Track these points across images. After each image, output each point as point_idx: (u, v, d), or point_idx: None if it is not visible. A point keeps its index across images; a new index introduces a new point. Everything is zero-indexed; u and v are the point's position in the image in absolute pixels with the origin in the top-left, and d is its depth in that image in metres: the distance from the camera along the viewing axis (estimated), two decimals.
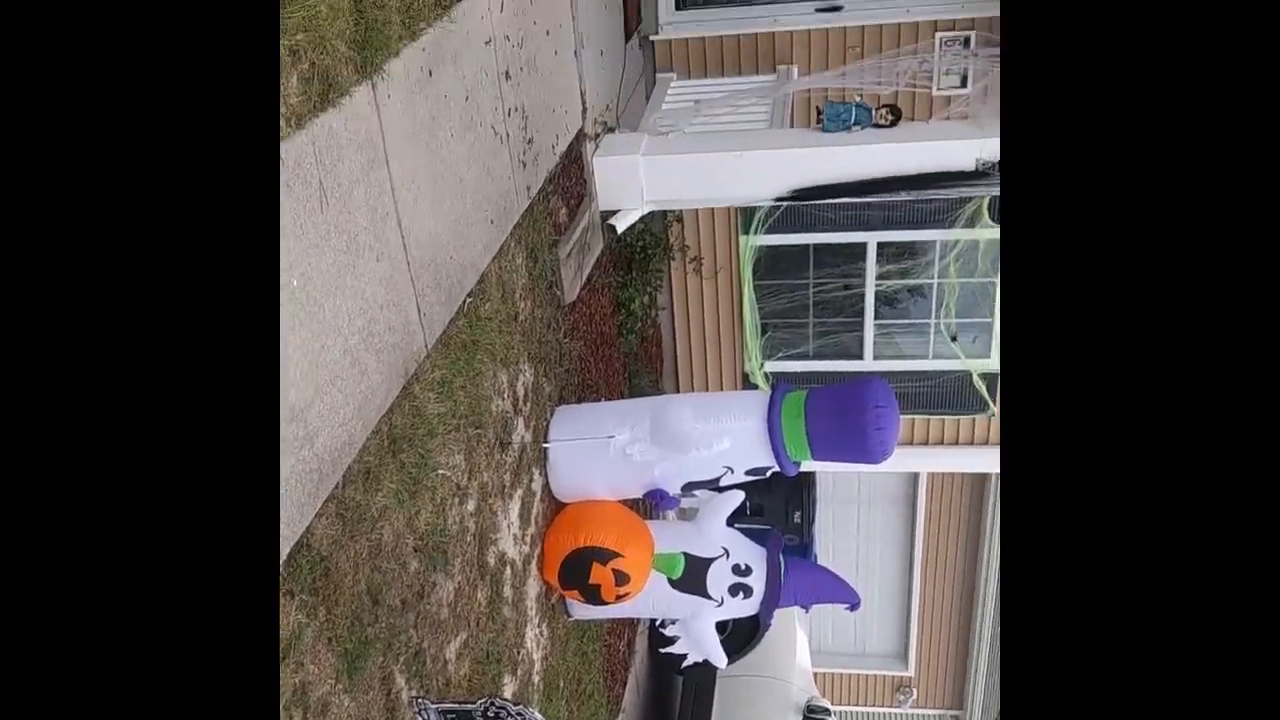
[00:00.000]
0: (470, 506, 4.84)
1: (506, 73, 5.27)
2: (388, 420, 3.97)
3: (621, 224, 6.80)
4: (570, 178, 6.36)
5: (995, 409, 8.90)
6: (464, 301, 4.75)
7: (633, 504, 6.52)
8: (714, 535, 6.12)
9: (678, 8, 8.04)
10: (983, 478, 10.48)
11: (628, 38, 7.72)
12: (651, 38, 8.03)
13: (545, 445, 5.88)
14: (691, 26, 7.99)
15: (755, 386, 9.02)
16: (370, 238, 3.80)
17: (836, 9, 7.72)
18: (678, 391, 9.30)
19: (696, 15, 8.02)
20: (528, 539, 5.69)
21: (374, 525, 3.85)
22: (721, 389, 9.23)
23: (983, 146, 5.98)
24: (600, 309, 7.23)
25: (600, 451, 5.83)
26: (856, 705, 12.26)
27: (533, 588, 5.77)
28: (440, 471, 4.45)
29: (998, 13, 7.29)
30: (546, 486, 5.97)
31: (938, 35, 7.40)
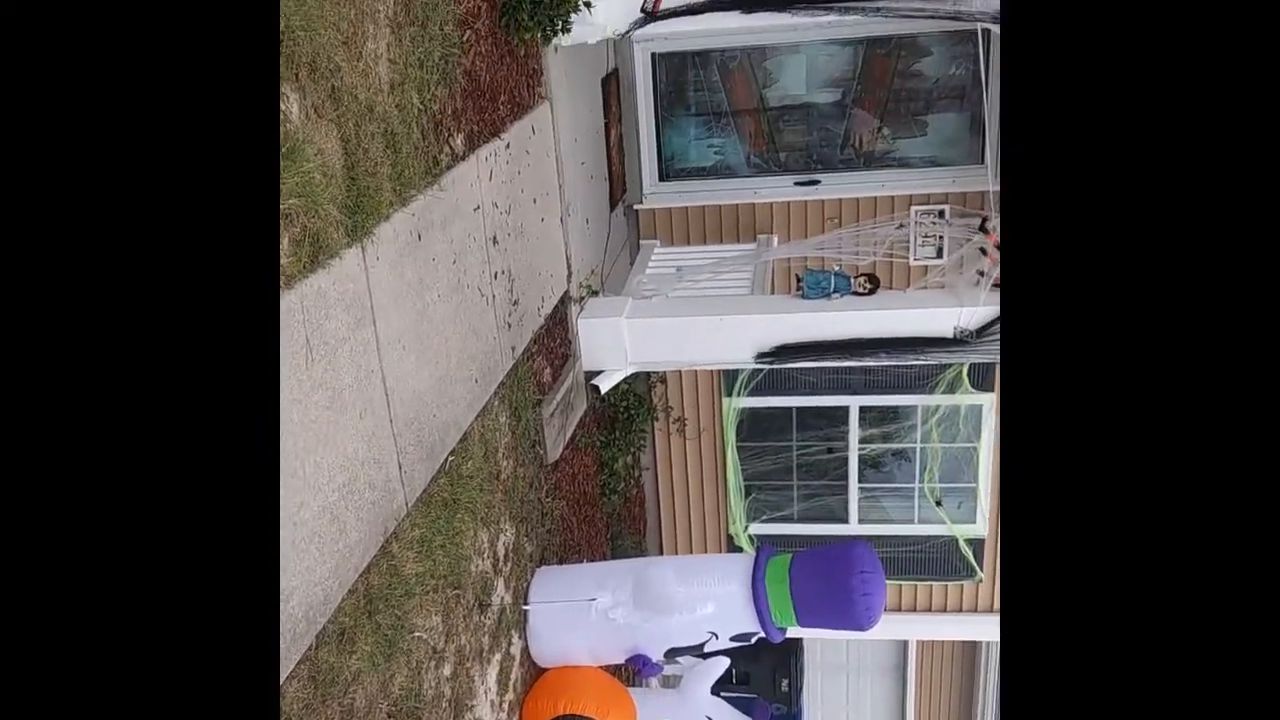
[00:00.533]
0: (446, 670, 4.71)
1: (494, 238, 5.42)
2: (364, 579, 3.91)
3: (605, 384, 6.87)
4: (555, 339, 6.46)
5: (982, 574, 8.81)
6: (446, 460, 4.75)
7: (614, 670, 6.35)
8: (699, 704, 5.95)
9: (661, 179, 8.34)
10: (973, 646, 10.27)
11: (613, 206, 7.97)
12: (636, 207, 8.29)
13: (525, 607, 5.77)
14: (674, 197, 8.26)
15: (739, 549, 8.92)
16: (354, 395, 3.83)
17: (814, 183, 8.01)
18: (661, 553, 9.19)
19: (679, 186, 8.31)
20: (505, 705, 5.51)
21: (347, 689, 3.74)
22: (705, 551, 9.12)
23: (960, 315, 6.11)
24: (583, 469, 7.22)
25: (581, 614, 5.72)
26: None
27: None
28: (416, 634, 4.35)
29: (971, 188, 7.59)
30: (526, 650, 5.83)
31: (913, 208, 7.66)
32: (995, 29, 5.91)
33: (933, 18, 5.72)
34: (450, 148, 4.92)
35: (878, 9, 5.74)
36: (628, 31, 5.99)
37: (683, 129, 8.24)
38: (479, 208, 5.21)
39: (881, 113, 7.94)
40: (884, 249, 7.54)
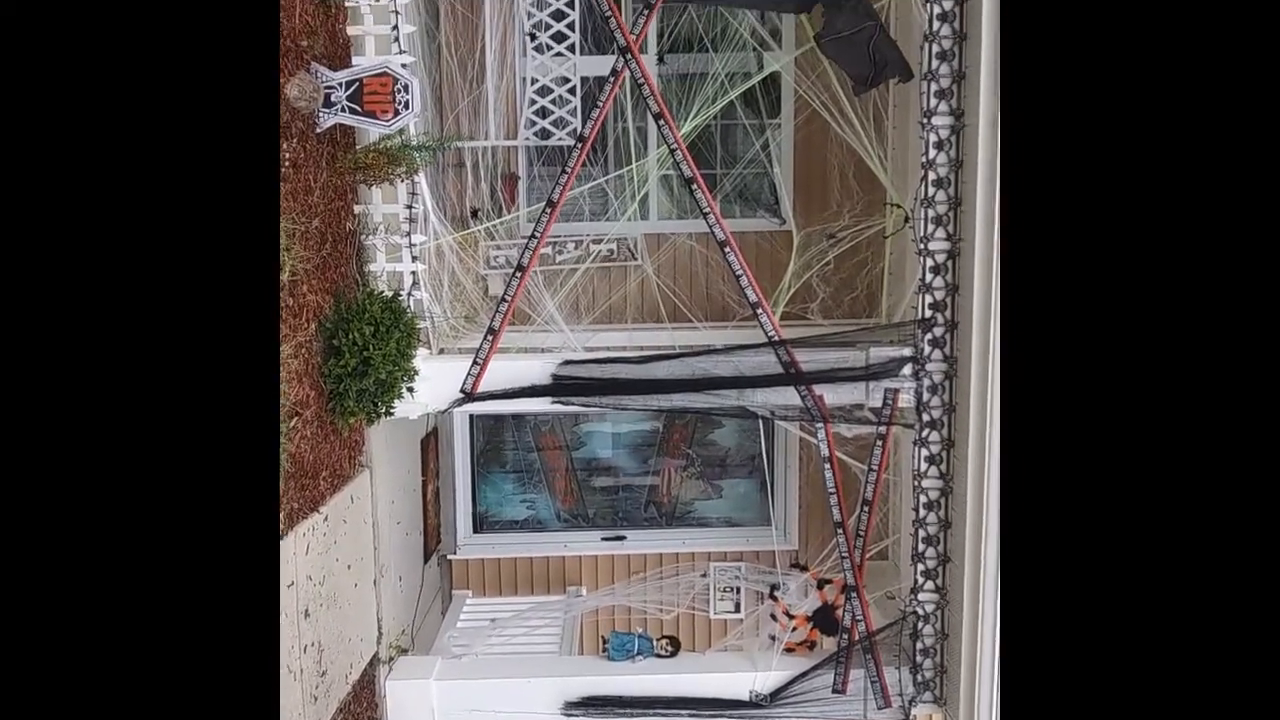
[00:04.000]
0: None
1: (306, 610, 5.53)
2: None
3: None
4: (362, 703, 6.43)
5: None
6: None
7: None
8: None
9: (475, 530, 8.65)
10: None
11: (426, 558, 8.17)
12: (449, 557, 8.51)
13: None
14: (487, 548, 8.56)
15: None
16: None
17: (620, 538, 8.49)
18: None
19: (492, 538, 8.63)
20: None
21: None
22: None
23: (754, 679, 6.48)
24: None
25: None
26: None
27: None
28: None
29: (764, 547, 8.20)
30: None
31: (712, 564, 8.17)
32: (773, 418, 6.69)
33: (721, 411, 6.45)
34: None
35: (673, 406, 6.44)
36: (447, 409, 6.47)
37: (497, 484, 8.68)
38: (293, 583, 5.35)
39: (681, 471, 8.62)
40: (686, 603, 7.96)
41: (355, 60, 5.90)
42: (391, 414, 6.04)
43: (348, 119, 5.60)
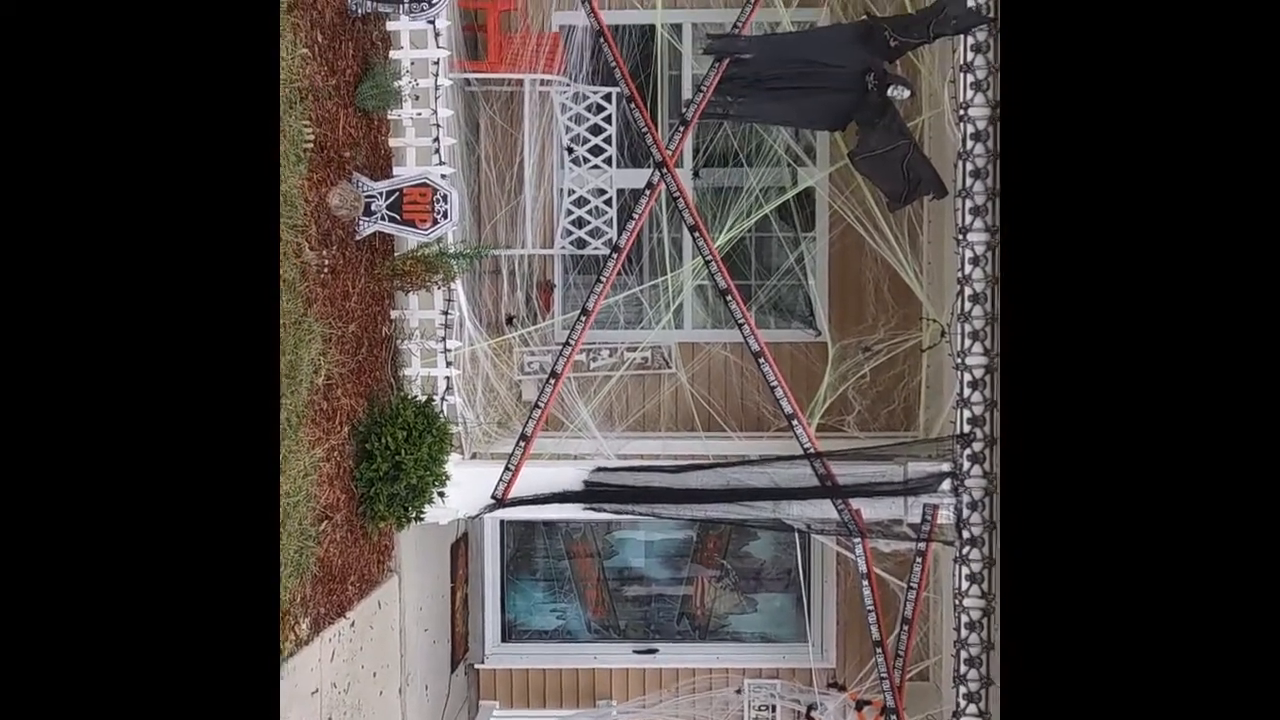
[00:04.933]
0: None
1: (330, 719, 5.42)
2: None
3: None
4: None
5: None
6: None
7: None
8: None
9: (504, 639, 8.51)
10: None
11: (454, 667, 8.02)
12: (477, 666, 8.36)
13: None
14: (515, 658, 8.40)
15: None
16: None
17: (652, 651, 8.30)
18: None
19: (521, 648, 8.47)
20: None
21: None
22: None
23: None
24: None
25: None
26: None
27: None
28: None
29: (800, 665, 7.98)
30: None
31: (746, 681, 7.97)
32: (810, 532, 6.58)
33: (756, 523, 6.36)
34: (295, 634, 5.06)
35: (707, 516, 6.36)
36: (478, 515, 6.42)
37: (527, 592, 8.56)
38: (317, 690, 5.26)
39: (716, 582, 8.47)
40: (721, 718, 7.73)
41: (396, 171, 6.05)
42: (422, 519, 6.01)
43: (387, 227, 5.70)
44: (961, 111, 5.47)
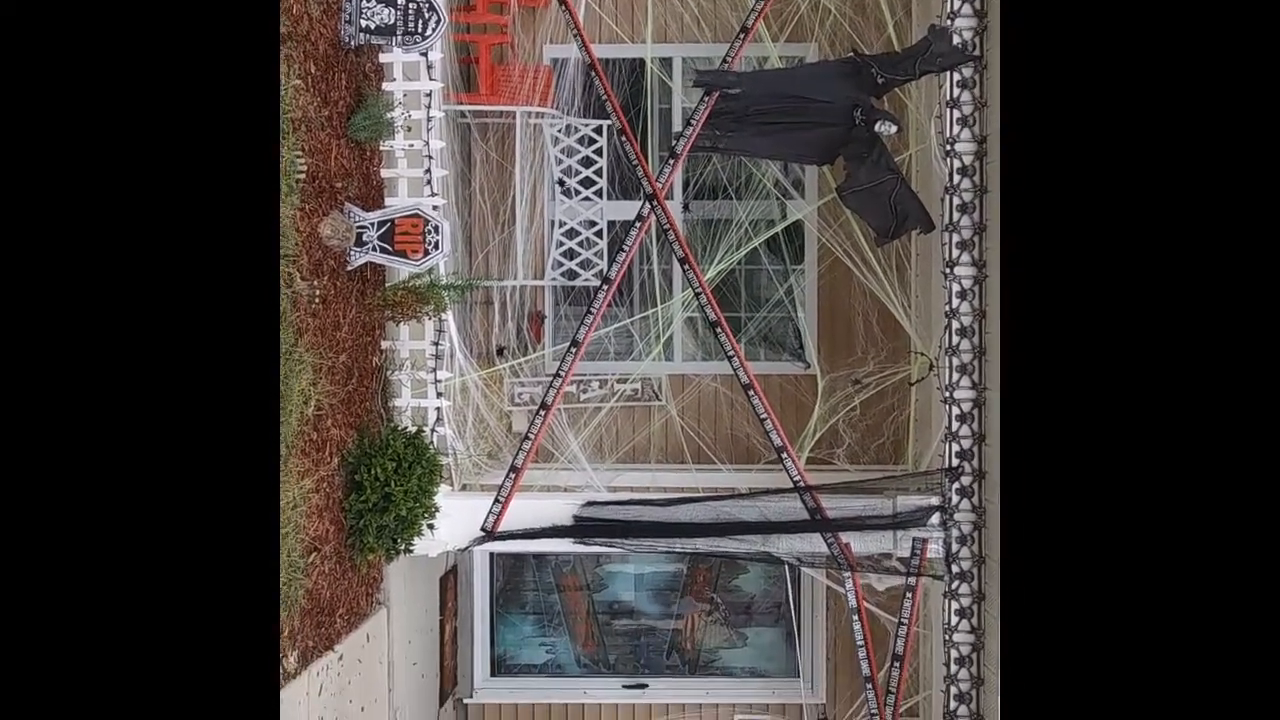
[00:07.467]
0: None
1: None
2: None
3: None
4: None
5: None
6: None
7: None
8: None
9: (492, 673, 8.44)
10: None
11: (442, 702, 7.95)
12: (466, 701, 8.29)
13: None
14: (505, 693, 8.33)
15: None
16: None
17: (642, 686, 8.24)
18: None
19: (510, 682, 8.41)
20: None
21: None
22: None
23: None
24: None
25: None
26: None
27: None
28: None
29: (790, 700, 7.93)
30: None
31: (736, 716, 7.92)
32: (800, 565, 6.56)
33: (745, 556, 6.35)
34: (283, 667, 5.02)
35: (696, 550, 6.34)
36: (467, 548, 6.40)
37: (516, 626, 8.50)
38: None
39: (705, 615, 8.42)
40: None
41: (388, 201, 6.07)
42: (411, 551, 5.98)
43: (378, 258, 5.71)
44: (948, 146, 5.53)
